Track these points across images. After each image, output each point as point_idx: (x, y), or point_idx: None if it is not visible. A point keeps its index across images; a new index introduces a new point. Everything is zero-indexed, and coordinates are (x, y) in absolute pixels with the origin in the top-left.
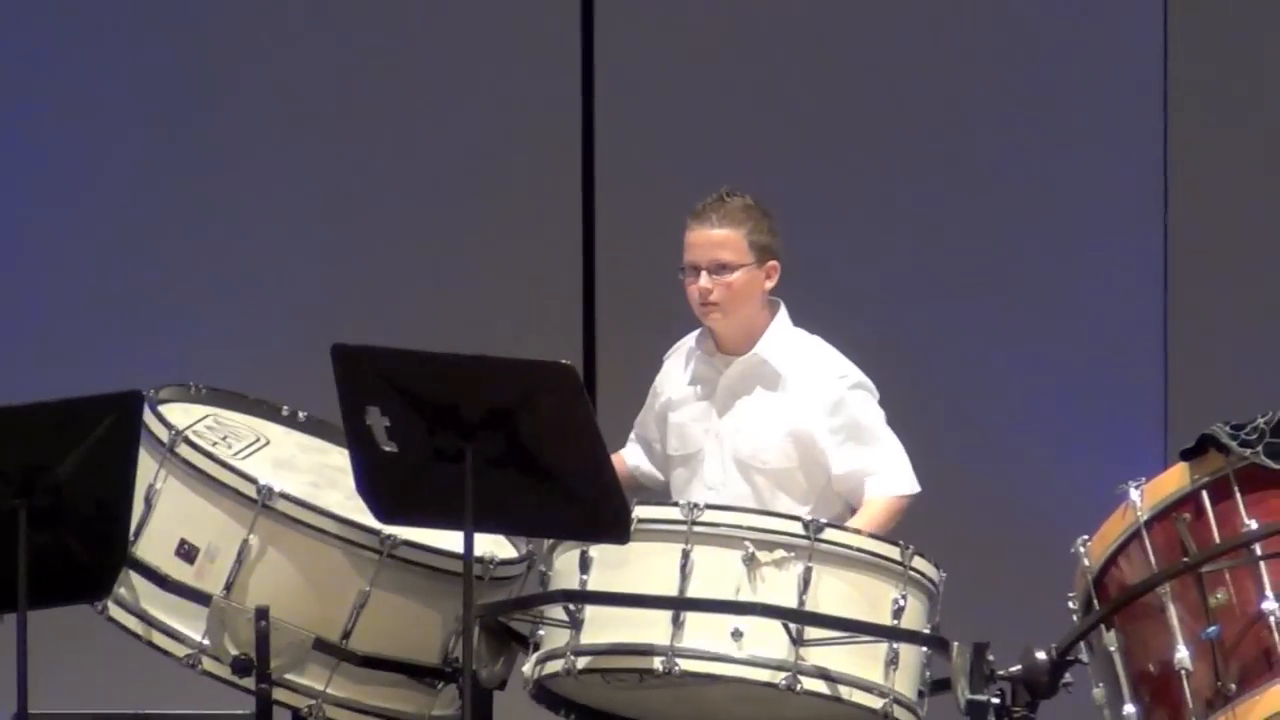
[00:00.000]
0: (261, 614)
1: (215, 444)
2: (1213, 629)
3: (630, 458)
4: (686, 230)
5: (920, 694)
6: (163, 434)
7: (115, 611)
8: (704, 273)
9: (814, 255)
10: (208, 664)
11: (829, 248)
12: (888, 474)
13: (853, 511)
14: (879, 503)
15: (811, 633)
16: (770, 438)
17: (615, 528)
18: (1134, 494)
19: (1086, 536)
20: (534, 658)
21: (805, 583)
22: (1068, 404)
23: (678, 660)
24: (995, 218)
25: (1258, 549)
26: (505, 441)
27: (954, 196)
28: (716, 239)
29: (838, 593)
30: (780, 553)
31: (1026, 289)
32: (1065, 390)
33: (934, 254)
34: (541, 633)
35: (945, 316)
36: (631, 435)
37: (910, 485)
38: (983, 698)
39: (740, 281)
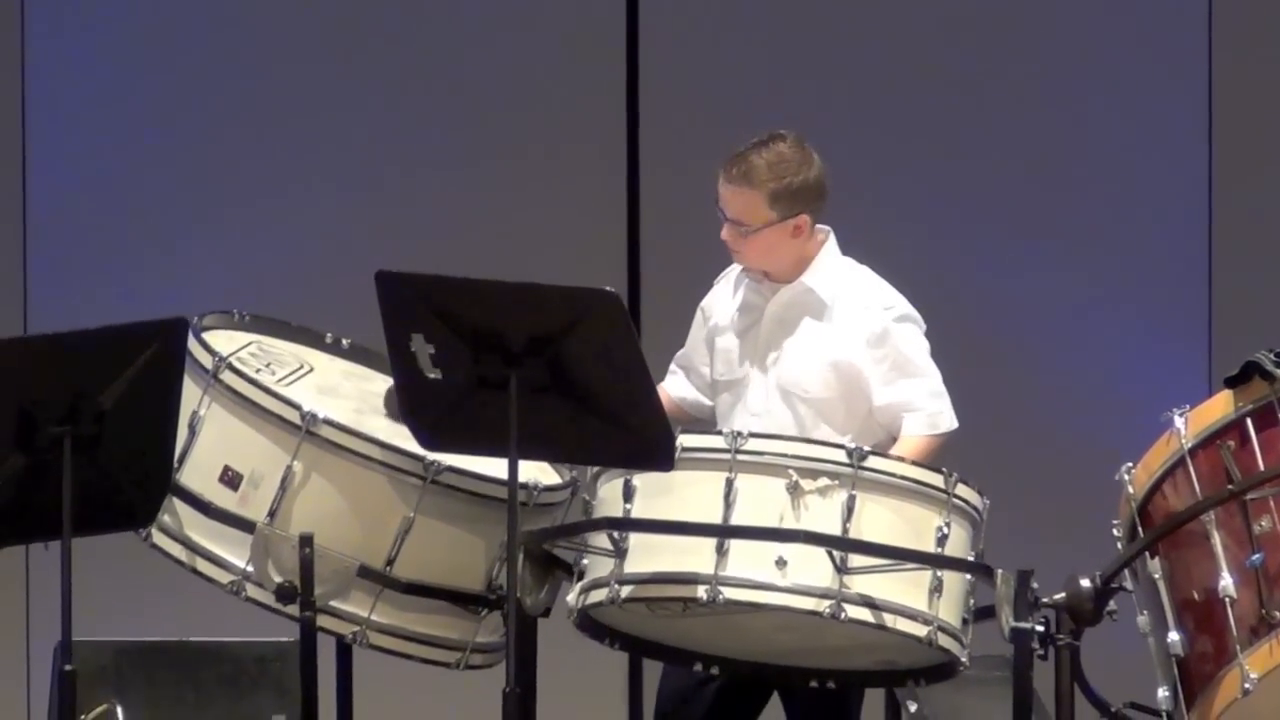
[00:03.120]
0: (305, 541)
1: (259, 371)
2: (1257, 556)
3: (673, 389)
4: (720, 172)
5: (964, 621)
6: (207, 361)
7: (159, 539)
8: (728, 223)
9: (862, 185)
10: (251, 591)
11: (876, 178)
12: (927, 411)
13: (894, 440)
14: (914, 440)
15: (855, 560)
16: (814, 367)
17: (659, 455)
18: (1178, 421)
19: (1131, 464)
20: (578, 587)
21: (849, 510)
22: (1112, 331)
23: (722, 589)
24: (1039, 148)
25: None
26: (549, 368)
27: (1000, 129)
28: (736, 199)
29: (881, 520)
30: (824, 480)
31: (1071, 216)
32: (1110, 318)
33: (979, 185)
34: (585, 562)
35: (990, 246)
36: (672, 366)
37: (948, 422)
38: (1027, 625)
39: (761, 239)
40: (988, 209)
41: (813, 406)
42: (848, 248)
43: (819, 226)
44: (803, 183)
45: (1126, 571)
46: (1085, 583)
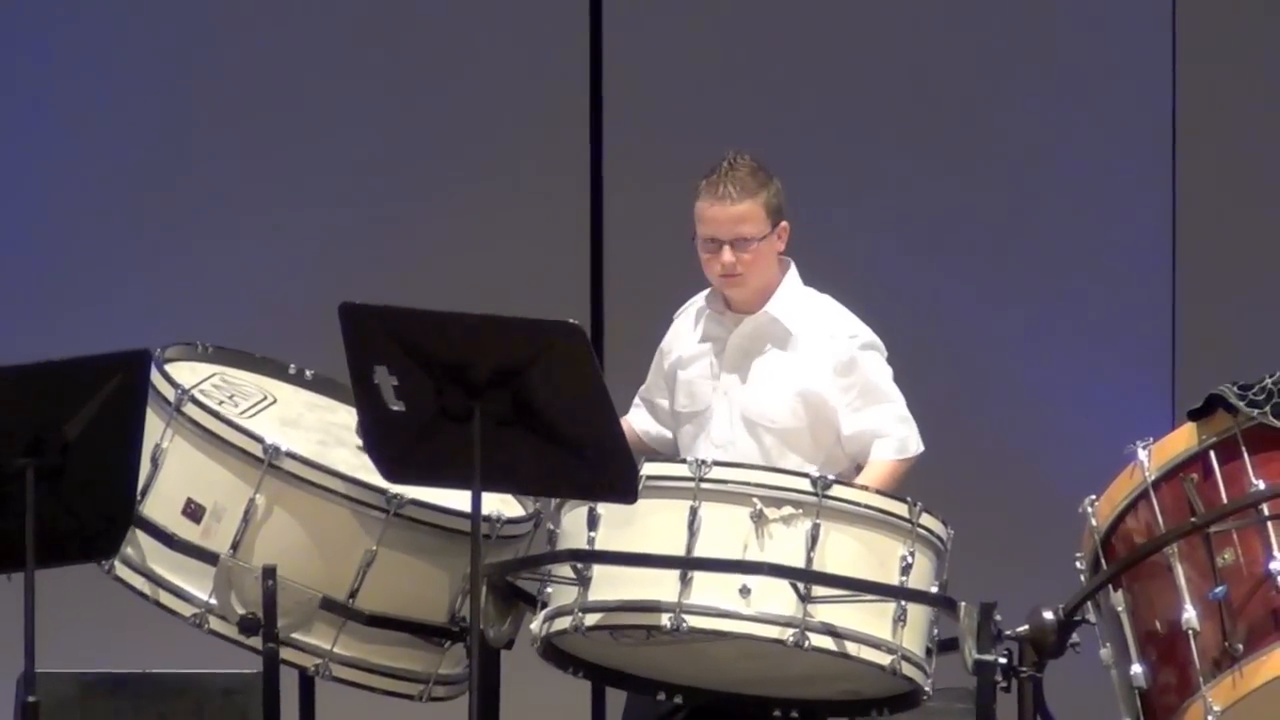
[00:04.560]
0: (268, 573)
1: (222, 403)
2: (1220, 589)
3: (637, 423)
4: (700, 203)
5: (928, 650)
6: (169, 393)
7: (122, 571)
8: (726, 247)
9: (828, 214)
10: (214, 623)
11: (841, 207)
12: (895, 435)
13: (859, 469)
14: (884, 464)
15: (819, 589)
16: (779, 397)
17: (622, 486)
18: (1142, 454)
19: (1094, 496)
20: (542, 615)
21: (813, 539)
22: (1076, 364)
23: (685, 617)
24: (1003, 179)
25: (1265, 509)
26: (513, 400)
27: (962, 158)
28: (738, 214)
29: (846, 549)
30: (788, 509)
31: (1035, 248)
32: (1073, 350)
33: (943, 216)
34: (549, 590)
35: (954, 276)
36: (635, 400)
37: (916, 446)
38: (990, 657)
39: (763, 250)
40: (953, 240)
41: (778, 436)
42: (812, 274)
43: (781, 257)
44: (777, 188)
45: (1089, 604)
46: (1048, 615)
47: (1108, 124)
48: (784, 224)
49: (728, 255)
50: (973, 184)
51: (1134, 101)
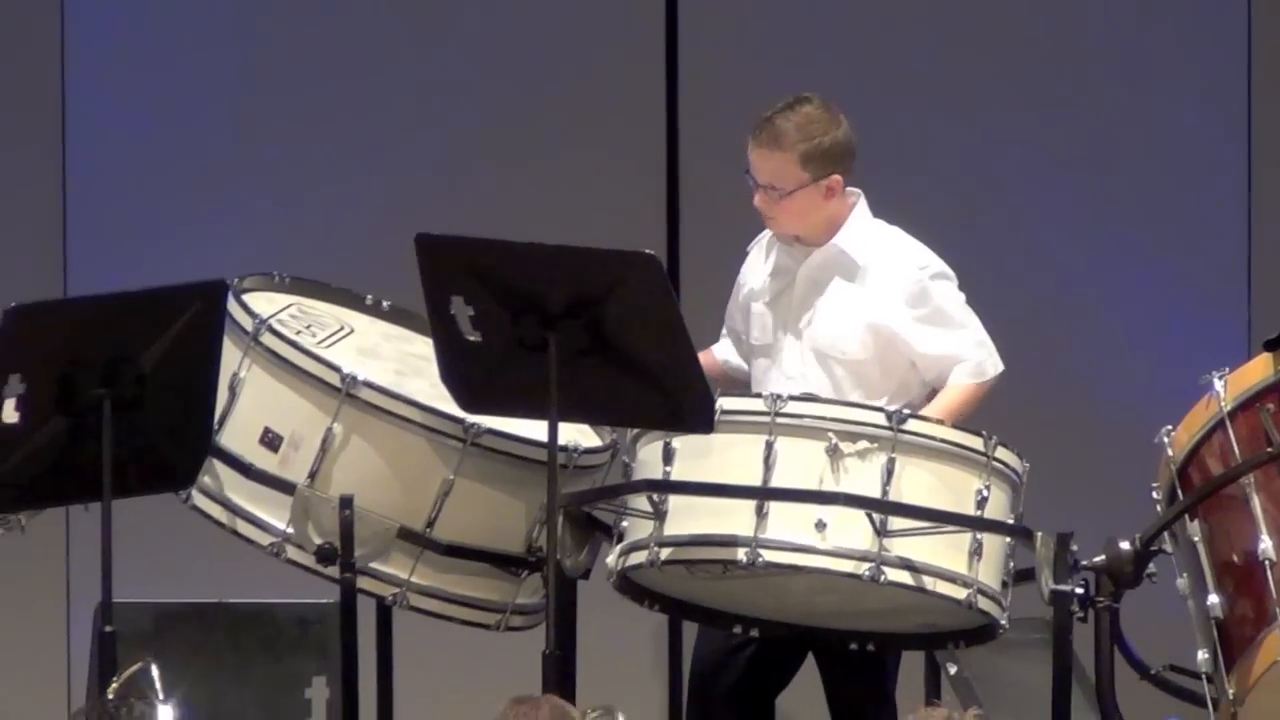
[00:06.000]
0: (346, 503)
1: (299, 332)
2: None
3: (720, 352)
4: (749, 136)
5: (1004, 584)
6: (247, 323)
7: (199, 500)
8: (761, 189)
9: (898, 143)
10: (292, 553)
11: (915, 138)
12: (973, 359)
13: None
14: (961, 388)
15: (895, 523)
16: (849, 329)
17: (699, 417)
18: (1218, 384)
19: (1170, 427)
20: (618, 549)
21: (888, 474)
22: (1152, 294)
23: (761, 551)
24: (1078, 109)
25: None
26: (589, 331)
27: (1037, 89)
28: (766, 163)
29: (921, 483)
30: (863, 444)
31: (1110, 180)
32: (1149, 281)
33: (1017, 146)
34: (625, 524)
35: (1029, 209)
36: (723, 330)
37: (994, 368)
38: (1067, 588)
39: (795, 202)
40: (1027, 173)
41: (848, 368)
42: (896, 214)
43: (850, 189)
44: (832, 142)
45: (1166, 534)
46: (1125, 545)
47: (1183, 53)
48: (834, 177)
49: (758, 198)
50: (1047, 116)
51: (1210, 32)
